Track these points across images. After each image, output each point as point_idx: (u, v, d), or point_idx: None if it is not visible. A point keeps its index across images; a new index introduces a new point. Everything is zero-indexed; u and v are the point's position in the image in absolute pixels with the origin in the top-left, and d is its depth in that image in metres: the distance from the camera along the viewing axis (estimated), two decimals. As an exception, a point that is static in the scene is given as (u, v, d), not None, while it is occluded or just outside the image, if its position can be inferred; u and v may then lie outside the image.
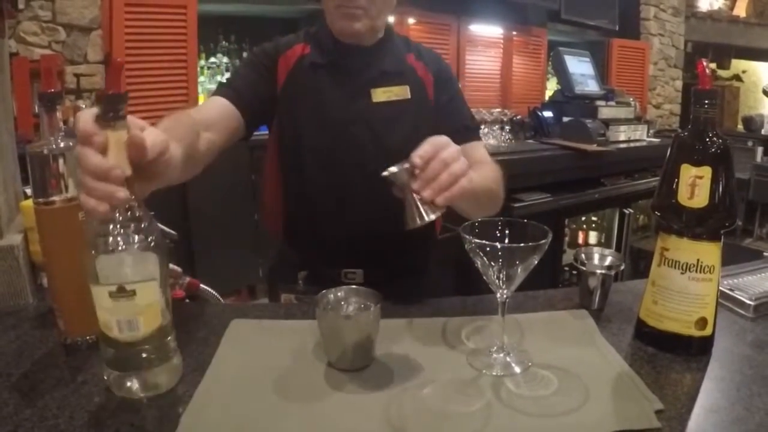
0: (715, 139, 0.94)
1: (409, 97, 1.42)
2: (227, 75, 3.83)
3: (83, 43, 3.18)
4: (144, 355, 0.87)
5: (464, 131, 1.43)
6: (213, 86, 3.81)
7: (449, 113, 1.46)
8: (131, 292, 0.82)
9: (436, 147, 0.98)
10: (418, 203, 0.96)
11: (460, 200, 1.00)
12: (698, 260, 0.96)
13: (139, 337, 0.85)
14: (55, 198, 0.97)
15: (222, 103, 1.33)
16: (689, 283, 0.97)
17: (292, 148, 1.43)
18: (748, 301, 1.17)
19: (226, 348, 1.01)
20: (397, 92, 1.41)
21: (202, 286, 1.71)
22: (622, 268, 1.18)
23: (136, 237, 0.82)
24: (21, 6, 2.85)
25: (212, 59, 3.86)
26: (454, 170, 0.97)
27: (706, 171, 0.93)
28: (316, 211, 1.43)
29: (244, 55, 3.86)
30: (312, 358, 0.98)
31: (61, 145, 0.97)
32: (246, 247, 3.63)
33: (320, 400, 0.87)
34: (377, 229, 1.33)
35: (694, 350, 0.98)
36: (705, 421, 0.81)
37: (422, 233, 1.46)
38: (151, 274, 0.85)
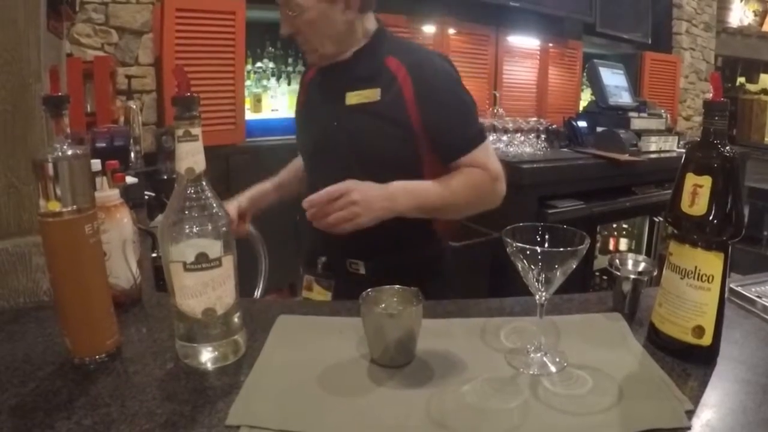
0: (721, 149, 0.95)
1: (379, 99, 1.47)
2: (272, 80, 3.91)
3: (135, 46, 3.23)
4: (215, 331, 0.94)
5: (465, 144, 1.50)
6: (259, 90, 3.86)
7: (445, 125, 1.49)
8: (216, 261, 0.91)
9: (330, 193, 1.33)
10: None
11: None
12: (696, 267, 0.96)
13: (218, 312, 0.93)
14: (62, 210, 0.90)
15: None
16: (687, 289, 0.97)
17: (301, 149, 1.69)
18: (775, 308, 1.17)
19: (273, 342, 1.04)
20: (367, 95, 1.49)
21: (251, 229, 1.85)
22: (655, 273, 1.19)
23: (210, 224, 0.91)
24: (77, 8, 2.91)
25: (258, 64, 3.89)
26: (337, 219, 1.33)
27: (707, 180, 0.94)
28: None
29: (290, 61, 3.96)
30: (356, 354, 1.00)
31: (69, 153, 0.90)
32: (286, 245, 3.66)
33: (363, 395, 0.89)
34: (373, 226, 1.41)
35: (692, 358, 0.98)
36: (733, 421, 0.83)
37: (424, 230, 1.60)
38: (230, 250, 0.93)
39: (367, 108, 1.48)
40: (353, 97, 1.49)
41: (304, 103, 1.70)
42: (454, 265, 1.74)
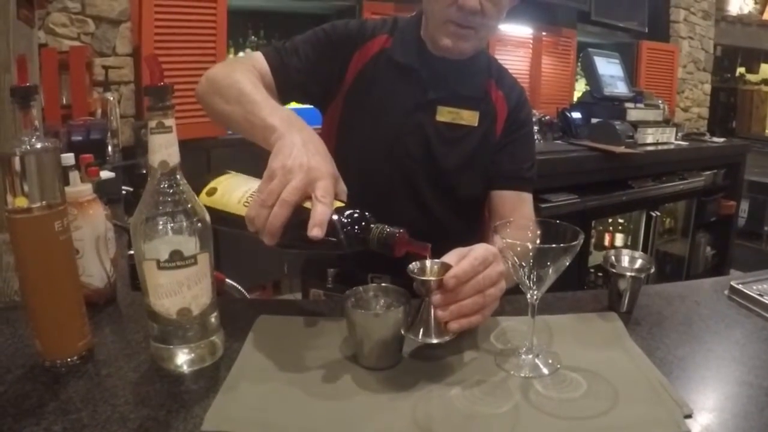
0: None
1: (476, 125, 1.37)
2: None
3: (112, 36, 3.21)
4: (190, 333, 0.92)
5: (519, 181, 1.40)
6: (240, 81, 3.82)
7: (511, 153, 1.41)
8: (191, 258, 0.88)
9: (476, 267, 0.92)
10: (430, 317, 0.91)
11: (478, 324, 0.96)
12: None
13: (193, 312, 0.91)
14: (30, 206, 0.86)
15: (263, 70, 1.30)
16: None
17: (346, 142, 1.38)
18: (777, 307, 1.15)
19: (252, 344, 1.01)
20: (465, 117, 1.37)
21: (227, 281, 1.71)
22: (652, 271, 1.16)
23: (185, 220, 0.88)
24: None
25: (241, 54, 3.88)
26: (486, 299, 0.93)
27: None
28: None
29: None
30: (339, 355, 0.98)
31: (37, 146, 0.86)
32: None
33: (346, 398, 0.87)
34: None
35: None
36: (734, 426, 0.81)
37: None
38: (206, 247, 0.91)
39: (459, 129, 1.36)
40: (447, 114, 1.36)
41: (371, 81, 1.38)
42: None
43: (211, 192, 1.02)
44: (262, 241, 0.94)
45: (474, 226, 1.49)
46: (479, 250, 0.94)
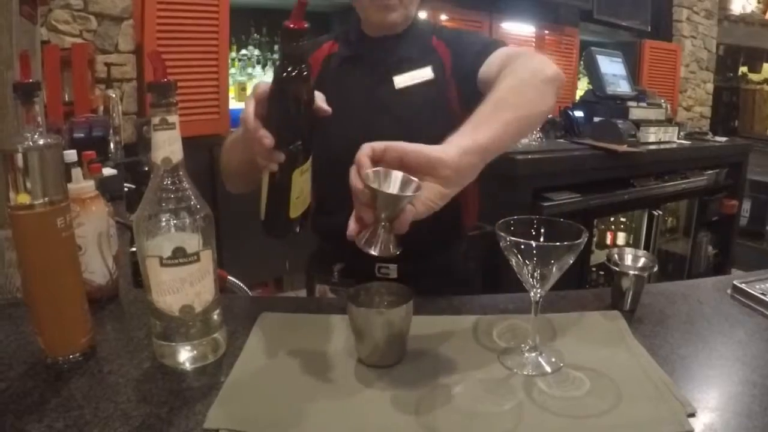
0: None
1: (432, 77, 1.39)
2: (258, 67, 3.86)
3: (114, 33, 3.20)
4: (193, 330, 0.92)
5: (483, 50, 1.35)
6: (244, 78, 3.82)
7: (467, 45, 1.40)
8: (194, 255, 0.88)
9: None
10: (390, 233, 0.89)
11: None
12: None
13: (196, 309, 0.91)
14: (33, 202, 0.86)
15: None
16: None
17: (322, 142, 1.40)
18: (780, 306, 1.15)
19: (254, 341, 1.01)
20: (421, 75, 1.38)
21: (229, 278, 1.71)
22: (655, 269, 1.16)
23: (187, 217, 0.89)
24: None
25: (243, 51, 3.87)
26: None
27: None
28: (346, 204, 1.41)
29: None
30: (342, 353, 0.98)
31: (40, 142, 0.86)
32: (273, 240, 3.64)
33: (349, 396, 0.87)
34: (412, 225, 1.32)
35: None
36: (737, 425, 0.80)
37: (455, 229, 1.47)
38: (209, 244, 0.91)
39: (419, 90, 1.38)
40: (404, 79, 1.39)
41: (327, 82, 1.39)
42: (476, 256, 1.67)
43: None
44: None
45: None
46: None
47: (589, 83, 4.43)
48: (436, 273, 1.35)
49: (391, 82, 1.39)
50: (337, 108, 1.36)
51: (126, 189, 2.12)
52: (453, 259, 1.53)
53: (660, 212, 3.81)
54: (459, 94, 1.37)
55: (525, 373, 0.92)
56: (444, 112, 1.36)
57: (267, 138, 0.92)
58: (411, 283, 1.01)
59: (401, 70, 1.39)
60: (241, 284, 1.79)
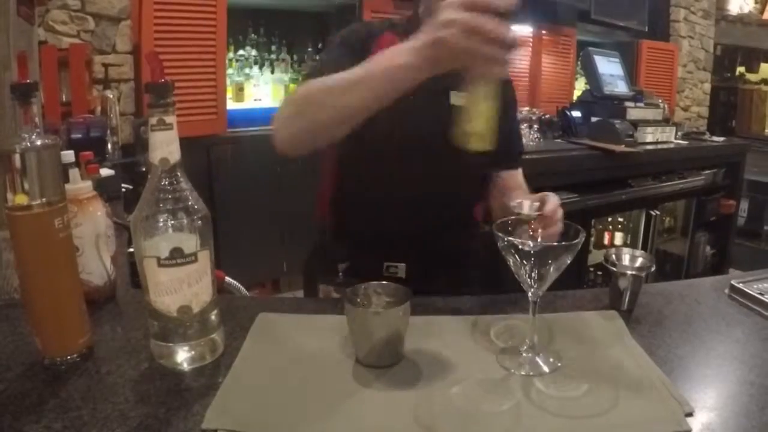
0: None
1: None
2: (255, 68, 3.86)
3: (112, 33, 3.20)
4: (191, 330, 0.92)
5: (516, 158, 1.49)
6: (241, 78, 3.82)
7: (509, 133, 1.45)
8: (192, 256, 0.89)
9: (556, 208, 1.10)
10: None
11: None
12: None
13: (194, 309, 0.91)
14: (30, 203, 0.86)
15: None
16: None
17: (360, 137, 1.33)
18: (777, 306, 1.15)
19: (252, 341, 1.01)
20: None
21: (227, 279, 1.71)
22: (653, 269, 1.16)
23: (185, 217, 0.89)
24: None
25: (241, 52, 3.87)
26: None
27: None
28: (371, 202, 1.41)
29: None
30: (340, 353, 0.98)
31: (37, 143, 0.86)
32: (270, 240, 3.65)
33: (347, 396, 0.87)
34: (427, 225, 1.34)
35: None
36: (735, 424, 0.81)
37: (466, 229, 1.50)
38: (207, 244, 0.91)
39: None
40: (460, 98, 1.29)
41: None
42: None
43: None
44: None
45: (478, 191, 1.55)
46: (553, 197, 1.15)
47: (586, 83, 4.44)
48: (444, 271, 1.35)
49: (448, 97, 1.38)
50: (389, 109, 1.36)
51: (123, 189, 2.12)
52: (462, 257, 1.53)
53: (657, 212, 3.82)
54: None
55: (522, 373, 0.93)
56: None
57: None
58: (419, 283, 1.02)
59: (460, 87, 1.37)
60: (239, 285, 1.79)
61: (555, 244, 0.89)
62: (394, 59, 0.99)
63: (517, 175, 1.49)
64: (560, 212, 1.09)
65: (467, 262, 1.56)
